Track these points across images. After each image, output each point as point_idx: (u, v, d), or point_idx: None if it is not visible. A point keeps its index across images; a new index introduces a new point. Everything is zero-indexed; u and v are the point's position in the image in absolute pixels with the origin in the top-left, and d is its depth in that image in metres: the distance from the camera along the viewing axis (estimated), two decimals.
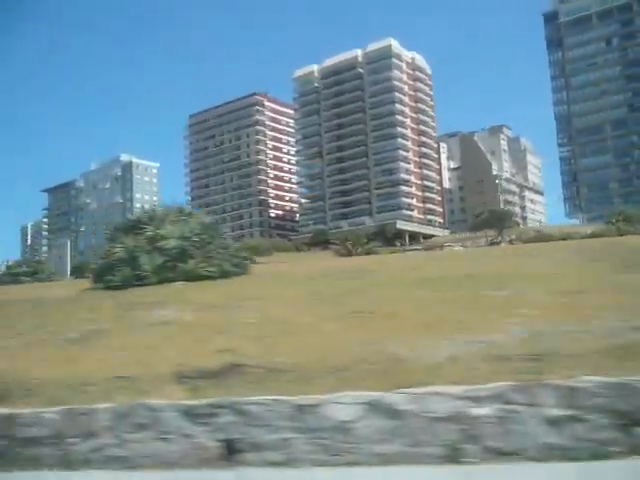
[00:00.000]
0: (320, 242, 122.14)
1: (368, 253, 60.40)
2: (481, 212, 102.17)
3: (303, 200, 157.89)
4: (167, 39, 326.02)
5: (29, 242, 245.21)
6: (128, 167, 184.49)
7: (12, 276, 43.40)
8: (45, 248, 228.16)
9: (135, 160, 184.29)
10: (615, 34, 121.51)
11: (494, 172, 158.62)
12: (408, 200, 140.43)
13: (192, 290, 13.94)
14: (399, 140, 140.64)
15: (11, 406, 6.99)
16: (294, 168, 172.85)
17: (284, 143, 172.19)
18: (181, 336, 8.76)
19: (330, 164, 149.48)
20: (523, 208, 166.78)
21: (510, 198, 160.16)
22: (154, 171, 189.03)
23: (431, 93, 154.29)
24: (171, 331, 9.24)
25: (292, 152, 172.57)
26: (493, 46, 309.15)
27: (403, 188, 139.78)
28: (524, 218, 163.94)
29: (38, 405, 6.87)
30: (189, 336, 8.68)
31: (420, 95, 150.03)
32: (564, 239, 48.19)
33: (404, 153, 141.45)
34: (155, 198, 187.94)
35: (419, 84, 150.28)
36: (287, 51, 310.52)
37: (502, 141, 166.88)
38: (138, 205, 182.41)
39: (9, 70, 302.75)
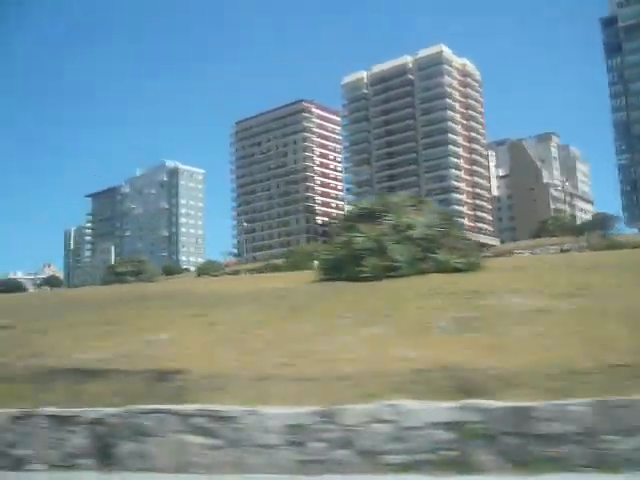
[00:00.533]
0: None
1: None
2: (546, 220, 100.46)
3: (351, 207, 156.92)
4: (214, 45, 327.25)
5: (72, 247, 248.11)
6: (174, 173, 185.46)
7: (117, 275, 43.30)
8: (88, 253, 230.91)
9: (181, 166, 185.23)
10: None
11: (544, 180, 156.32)
12: (459, 208, 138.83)
13: (477, 280, 13.06)
14: (450, 147, 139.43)
15: (486, 398, 6.29)
16: (340, 175, 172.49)
17: (330, 150, 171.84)
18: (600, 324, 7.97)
19: (379, 171, 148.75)
20: (574, 217, 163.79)
21: (561, 206, 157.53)
22: (200, 177, 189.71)
23: (481, 100, 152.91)
24: (568, 318, 8.48)
25: (338, 159, 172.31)
26: (543, 52, 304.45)
27: (454, 195, 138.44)
28: None
29: (534, 397, 6.15)
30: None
31: (470, 102, 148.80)
32: (636, 247, 46.60)
33: (455, 160, 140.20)
34: (201, 204, 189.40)
35: (469, 90, 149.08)
36: (333, 58, 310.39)
37: (552, 149, 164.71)
38: (183, 211, 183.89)
39: (57, 74, 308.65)
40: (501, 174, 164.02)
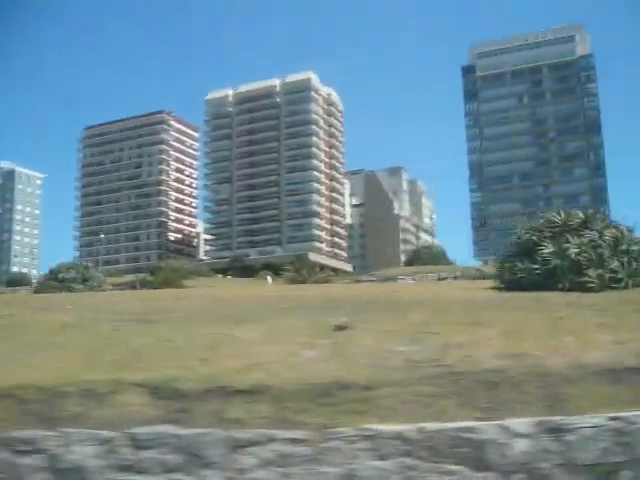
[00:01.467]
0: (236, 268, 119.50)
1: (325, 281, 59.73)
2: (419, 249, 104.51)
3: (207, 225, 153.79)
4: (69, 43, 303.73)
5: None
6: (9, 175, 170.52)
7: (59, 282, 37.93)
8: None
9: (18, 169, 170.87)
10: (526, 92, 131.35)
11: (395, 211, 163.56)
12: (318, 232, 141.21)
13: None
14: (314, 172, 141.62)
15: None
16: (195, 192, 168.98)
17: (187, 165, 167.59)
18: None
19: (240, 191, 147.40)
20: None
21: (408, 237, 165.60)
22: (38, 182, 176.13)
23: (342, 130, 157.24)
24: None
25: (194, 175, 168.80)
26: (402, 90, 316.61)
27: (315, 220, 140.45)
28: None
29: None
30: None
31: (333, 130, 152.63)
32: None
33: (317, 186, 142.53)
34: (37, 211, 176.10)
35: (333, 119, 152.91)
36: (196, 73, 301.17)
37: (404, 182, 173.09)
38: (18, 217, 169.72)
39: None
40: (354, 202, 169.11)
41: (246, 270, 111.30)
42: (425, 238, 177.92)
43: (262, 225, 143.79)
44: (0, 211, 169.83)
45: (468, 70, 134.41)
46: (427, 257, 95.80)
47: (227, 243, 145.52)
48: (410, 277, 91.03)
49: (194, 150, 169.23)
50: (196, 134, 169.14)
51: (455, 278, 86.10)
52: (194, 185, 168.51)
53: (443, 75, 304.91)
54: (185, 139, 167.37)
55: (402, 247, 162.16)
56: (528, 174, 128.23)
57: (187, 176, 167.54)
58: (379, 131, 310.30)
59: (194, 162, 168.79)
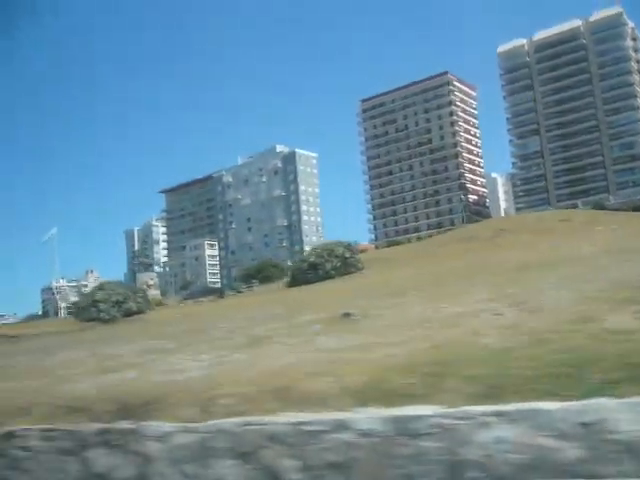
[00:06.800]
0: None
1: None
2: None
3: (515, 182, 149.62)
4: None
5: (136, 247, 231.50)
6: (290, 158, 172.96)
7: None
8: (164, 252, 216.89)
9: (298, 150, 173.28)
10: None
11: None
12: None
13: None
14: None
15: None
16: (480, 151, 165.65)
17: (471, 125, 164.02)
18: None
19: (551, 142, 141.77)
20: None
21: None
22: (314, 161, 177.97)
23: None
24: None
25: (477, 134, 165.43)
26: None
27: None
28: None
29: None
30: None
31: None
32: None
33: None
34: (316, 190, 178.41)
35: (639, 55, 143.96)
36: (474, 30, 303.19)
37: None
38: (303, 197, 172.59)
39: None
40: None
41: None
42: None
43: (582, 175, 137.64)
44: (284, 194, 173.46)
45: None
46: None
47: (543, 198, 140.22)
48: None
49: (474, 109, 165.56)
50: (473, 93, 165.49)
51: None
52: (479, 145, 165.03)
53: None
54: (467, 99, 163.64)
55: None
56: None
57: (472, 136, 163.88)
58: None
59: (476, 121, 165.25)
